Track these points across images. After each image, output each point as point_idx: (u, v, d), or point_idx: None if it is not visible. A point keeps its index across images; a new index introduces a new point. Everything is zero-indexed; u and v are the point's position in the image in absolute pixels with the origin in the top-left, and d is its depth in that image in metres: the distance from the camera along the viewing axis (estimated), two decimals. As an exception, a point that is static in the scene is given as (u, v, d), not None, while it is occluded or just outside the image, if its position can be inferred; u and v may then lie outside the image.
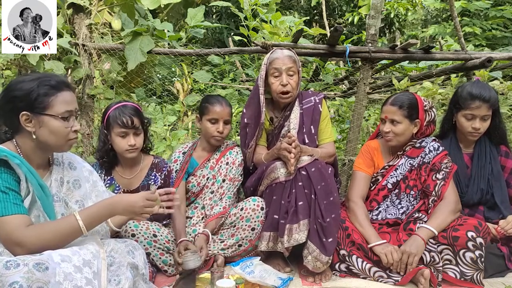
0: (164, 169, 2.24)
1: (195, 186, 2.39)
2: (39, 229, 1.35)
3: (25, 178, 1.39)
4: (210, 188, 2.38)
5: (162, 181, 2.23)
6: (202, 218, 2.33)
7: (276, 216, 2.07)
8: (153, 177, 2.22)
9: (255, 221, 2.15)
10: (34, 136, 1.43)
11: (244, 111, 2.43)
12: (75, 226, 1.38)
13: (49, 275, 1.20)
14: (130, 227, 2.03)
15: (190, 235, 2.24)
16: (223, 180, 2.38)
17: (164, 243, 2.11)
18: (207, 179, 2.39)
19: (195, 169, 2.41)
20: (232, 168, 2.39)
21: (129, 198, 1.48)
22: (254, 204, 2.17)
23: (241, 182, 2.43)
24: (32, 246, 1.29)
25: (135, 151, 2.10)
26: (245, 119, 2.39)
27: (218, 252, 2.19)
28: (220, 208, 2.30)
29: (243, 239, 2.18)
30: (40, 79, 1.44)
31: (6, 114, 1.43)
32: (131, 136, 2.07)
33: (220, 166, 2.40)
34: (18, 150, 1.45)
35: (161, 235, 2.13)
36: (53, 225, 1.39)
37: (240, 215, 2.18)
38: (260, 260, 2.05)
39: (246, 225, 2.16)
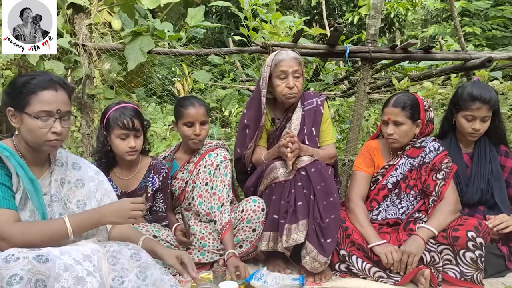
0: (162, 170, 2.22)
1: (176, 190, 2.35)
2: (26, 227, 1.36)
3: (15, 172, 1.40)
4: (192, 194, 2.30)
5: (160, 183, 2.21)
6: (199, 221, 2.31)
7: (276, 216, 2.07)
8: (151, 179, 2.20)
9: (255, 222, 2.14)
10: (16, 132, 1.46)
11: (245, 111, 2.42)
12: (63, 229, 1.39)
13: (49, 267, 1.20)
14: None
15: (199, 251, 2.18)
16: (206, 184, 2.28)
17: (164, 244, 2.10)
18: (186, 183, 2.33)
19: (176, 172, 2.36)
20: (211, 170, 2.27)
21: (116, 204, 1.52)
22: (254, 205, 2.16)
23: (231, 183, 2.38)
24: (17, 242, 1.29)
25: (135, 154, 2.08)
26: (245, 120, 2.38)
27: (218, 257, 2.17)
28: (227, 217, 2.17)
29: (244, 241, 2.17)
30: (31, 76, 1.44)
31: (2, 109, 1.48)
32: (131, 138, 2.04)
33: (199, 170, 2.31)
34: (16, 146, 1.48)
35: (161, 236, 2.13)
36: (41, 224, 1.40)
37: (241, 217, 2.17)
38: (262, 266, 2.06)
39: (247, 227, 2.15)
